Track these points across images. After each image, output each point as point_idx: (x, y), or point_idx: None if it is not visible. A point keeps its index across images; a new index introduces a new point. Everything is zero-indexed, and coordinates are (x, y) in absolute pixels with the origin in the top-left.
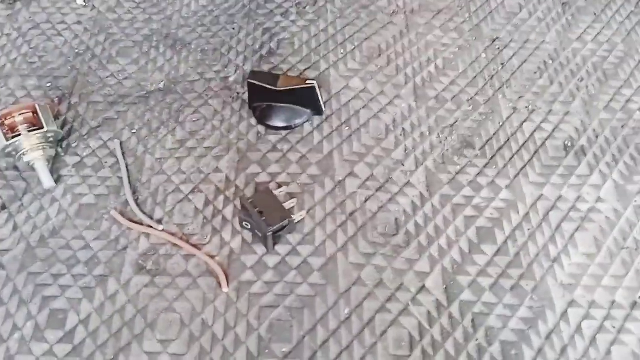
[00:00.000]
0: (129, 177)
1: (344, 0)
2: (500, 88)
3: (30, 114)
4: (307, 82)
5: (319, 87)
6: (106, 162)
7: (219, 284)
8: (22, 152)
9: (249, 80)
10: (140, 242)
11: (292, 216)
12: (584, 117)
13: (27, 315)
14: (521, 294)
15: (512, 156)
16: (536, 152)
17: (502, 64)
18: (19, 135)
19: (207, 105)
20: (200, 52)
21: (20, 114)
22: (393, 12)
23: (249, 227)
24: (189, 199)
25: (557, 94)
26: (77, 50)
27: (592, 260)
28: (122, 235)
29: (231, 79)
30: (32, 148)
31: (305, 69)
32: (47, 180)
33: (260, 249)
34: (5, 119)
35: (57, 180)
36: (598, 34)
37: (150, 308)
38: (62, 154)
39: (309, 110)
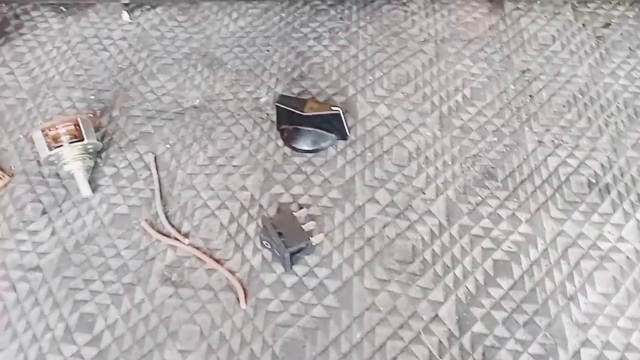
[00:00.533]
0: (160, 190)
1: (376, 27)
2: (527, 120)
3: (73, 127)
4: (333, 108)
5: (345, 113)
6: (141, 175)
7: (238, 299)
8: (64, 161)
9: (277, 104)
10: (167, 253)
11: (311, 238)
12: (611, 154)
13: (59, 317)
14: (534, 330)
15: (534, 190)
16: (559, 187)
17: (531, 96)
18: (61, 145)
19: (238, 125)
20: (235, 72)
21: (63, 126)
22: (424, 40)
23: (269, 246)
24: (215, 214)
25: (585, 129)
26: (120, 65)
27: (609, 300)
28: (151, 246)
29: (262, 100)
30: (72, 158)
31: (334, 94)
32: (85, 189)
33: (279, 268)
34: (49, 130)
35: (95, 190)
36: (632, 69)
37: (172, 318)
38: (101, 165)
39: (334, 135)
